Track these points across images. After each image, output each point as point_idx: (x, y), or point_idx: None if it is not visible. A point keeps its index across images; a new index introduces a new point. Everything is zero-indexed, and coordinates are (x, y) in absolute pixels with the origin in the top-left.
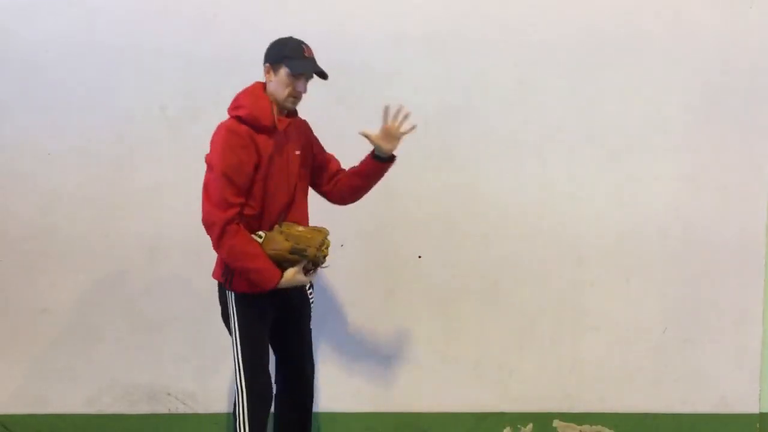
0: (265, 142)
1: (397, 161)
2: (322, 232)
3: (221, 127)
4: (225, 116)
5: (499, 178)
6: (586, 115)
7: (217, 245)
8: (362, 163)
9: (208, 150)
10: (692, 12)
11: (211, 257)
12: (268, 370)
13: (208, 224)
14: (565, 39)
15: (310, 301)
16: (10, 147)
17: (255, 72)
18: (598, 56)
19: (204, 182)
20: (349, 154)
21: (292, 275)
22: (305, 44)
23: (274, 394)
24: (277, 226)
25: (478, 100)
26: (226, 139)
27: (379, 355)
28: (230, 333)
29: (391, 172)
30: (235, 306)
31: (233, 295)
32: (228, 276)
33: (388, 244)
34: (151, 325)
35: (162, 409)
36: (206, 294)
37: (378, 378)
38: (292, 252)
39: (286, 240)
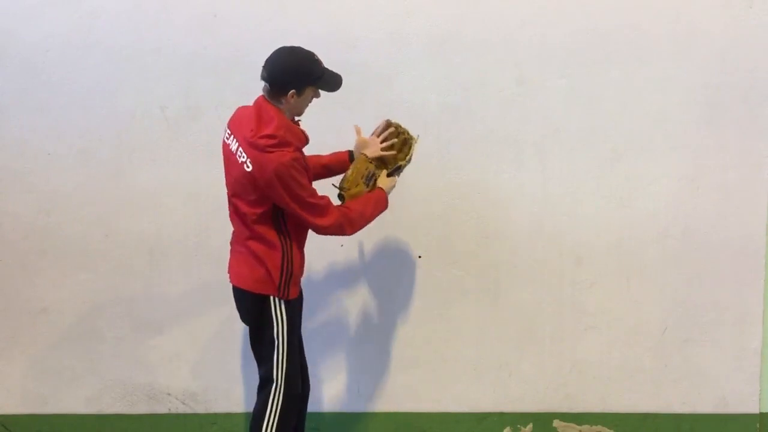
0: (304, 153)
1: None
2: (361, 162)
3: (286, 164)
4: (225, 116)
5: (499, 178)
6: (586, 114)
7: (351, 232)
8: (334, 157)
9: (207, 150)
10: (692, 12)
11: (210, 257)
12: (299, 373)
13: (336, 232)
14: (565, 39)
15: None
16: (10, 147)
17: (255, 72)
18: (598, 56)
19: (303, 213)
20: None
21: (387, 182)
22: (315, 54)
23: None
24: (344, 189)
25: (478, 100)
26: (296, 170)
27: (379, 355)
28: (273, 340)
29: None
30: (285, 313)
31: (283, 303)
32: (286, 287)
33: (388, 244)
34: (151, 325)
35: (162, 409)
36: (206, 294)
37: (378, 378)
38: (367, 182)
39: (357, 186)
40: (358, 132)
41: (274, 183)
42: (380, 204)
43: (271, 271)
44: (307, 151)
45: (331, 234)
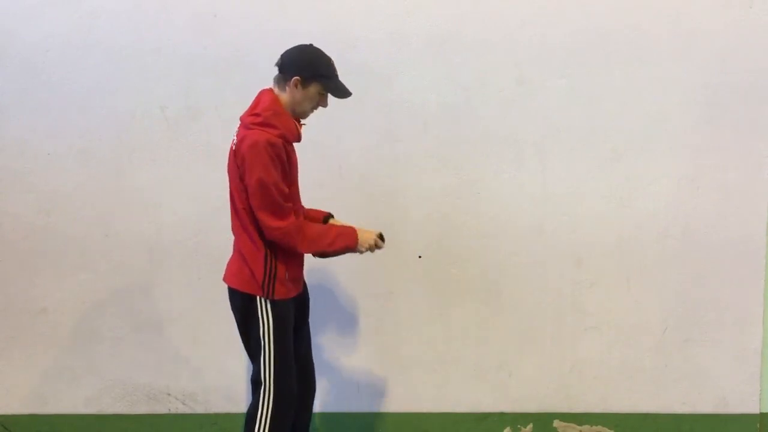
0: (291, 150)
1: (398, 161)
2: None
3: (259, 143)
4: (225, 116)
5: (499, 178)
6: (586, 115)
7: (301, 247)
8: (312, 211)
9: (207, 150)
10: (692, 12)
11: (210, 257)
12: (294, 374)
13: (281, 237)
14: (565, 39)
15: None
16: (10, 147)
17: (255, 72)
18: (598, 56)
19: (256, 201)
20: (349, 153)
21: (365, 233)
22: (331, 58)
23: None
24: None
25: (478, 100)
26: (268, 153)
27: (379, 355)
28: (259, 340)
29: (392, 172)
30: (271, 313)
31: (269, 303)
32: (269, 286)
33: (388, 244)
34: (151, 325)
35: (162, 409)
36: (206, 294)
37: (378, 378)
38: None
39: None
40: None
41: (243, 159)
42: (343, 238)
43: (254, 271)
44: (307, 152)
45: (279, 239)
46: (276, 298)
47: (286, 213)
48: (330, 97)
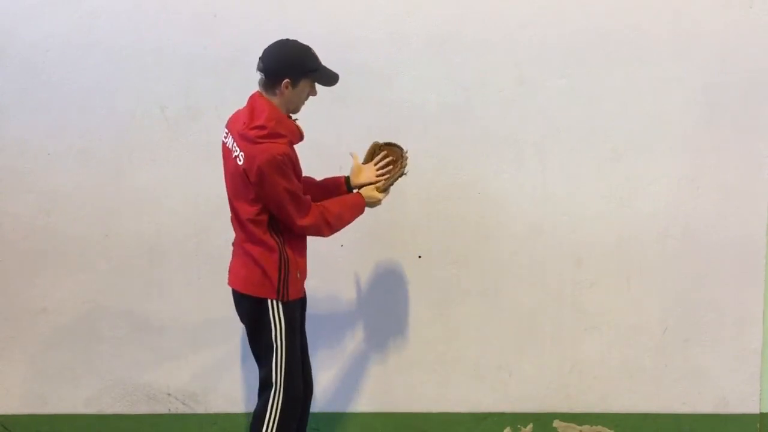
0: (296, 151)
1: None
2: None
3: (276, 157)
4: (225, 116)
5: (499, 178)
6: (586, 115)
7: (329, 233)
8: (330, 180)
9: (207, 150)
10: (692, 12)
11: (210, 257)
12: (301, 375)
13: (315, 231)
14: (565, 39)
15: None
16: (10, 147)
17: (255, 72)
18: (598, 56)
19: (288, 208)
20: (349, 153)
21: (370, 192)
22: (312, 49)
23: None
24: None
25: (478, 100)
26: (285, 163)
27: (379, 355)
28: (271, 343)
29: None
30: (283, 315)
31: (281, 305)
32: (284, 288)
33: (388, 244)
34: (151, 325)
35: (162, 409)
36: (205, 294)
37: (378, 378)
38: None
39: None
40: (355, 158)
41: (261, 175)
42: (356, 209)
43: (269, 273)
44: (307, 152)
45: (310, 234)
46: (289, 299)
47: (311, 208)
48: (331, 98)
